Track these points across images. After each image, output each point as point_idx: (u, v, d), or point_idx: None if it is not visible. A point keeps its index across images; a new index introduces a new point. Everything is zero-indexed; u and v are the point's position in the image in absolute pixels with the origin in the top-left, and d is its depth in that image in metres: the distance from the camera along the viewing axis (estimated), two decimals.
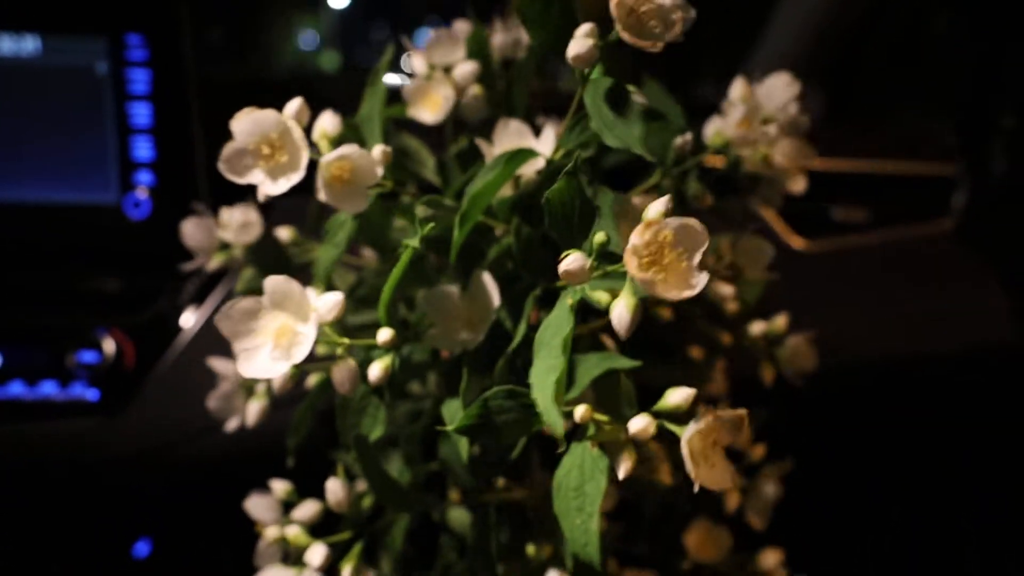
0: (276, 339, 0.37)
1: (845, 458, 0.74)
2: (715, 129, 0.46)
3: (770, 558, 0.48)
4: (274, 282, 0.37)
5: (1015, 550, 0.80)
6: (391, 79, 0.50)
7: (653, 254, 0.28)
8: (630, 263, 0.28)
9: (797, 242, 0.78)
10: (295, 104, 0.39)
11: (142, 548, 0.71)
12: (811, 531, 0.63)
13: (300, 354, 0.37)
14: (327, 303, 0.38)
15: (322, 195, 0.39)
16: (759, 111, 0.43)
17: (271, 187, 0.38)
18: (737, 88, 0.45)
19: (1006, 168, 0.82)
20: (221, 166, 0.38)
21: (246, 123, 0.37)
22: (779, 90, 0.44)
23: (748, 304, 0.52)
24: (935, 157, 0.86)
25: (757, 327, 0.52)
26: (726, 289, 0.48)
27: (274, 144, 0.38)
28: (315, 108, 0.41)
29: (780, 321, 0.52)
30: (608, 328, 0.47)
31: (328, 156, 0.38)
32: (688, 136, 0.43)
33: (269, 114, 0.38)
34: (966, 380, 0.76)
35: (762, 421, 0.49)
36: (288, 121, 0.38)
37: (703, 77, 1.13)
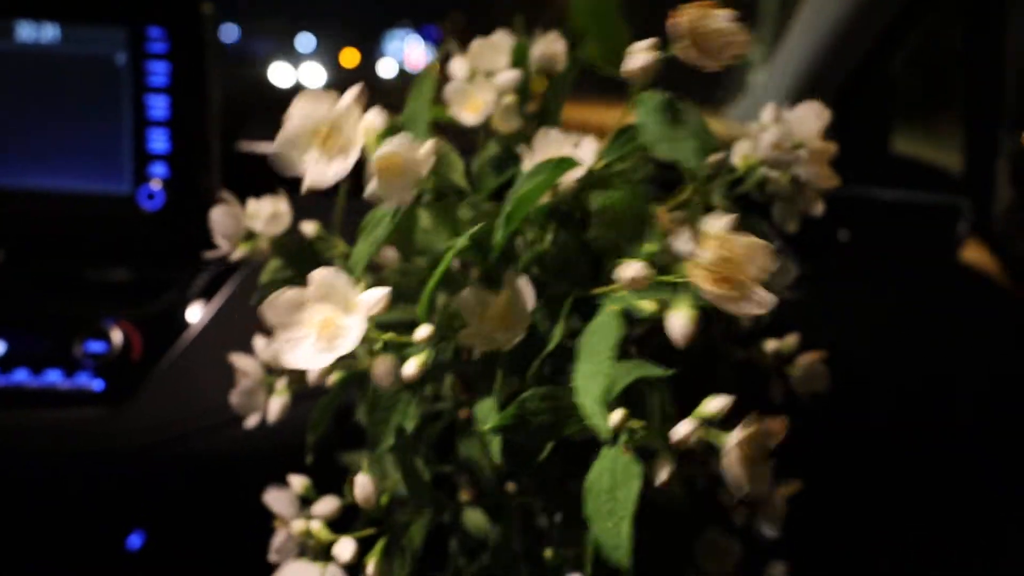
0: (320, 331, 0.37)
1: (855, 473, 0.76)
2: (744, 150, 0.48)
3: (776, 569, 0.50)
4: (321, 274, 0.37)
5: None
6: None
7: (724, 269, 0.29)
8: (701, 277, 0.29)
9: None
10: (354, 92, 0.39)
11: (135, 540, 0.70)
12: (821, 544, 0.64)
13: (345, 346, 0.37)
14: (373, 297, 0.38)
15: (370, 188, 0.40)
16: (791, 136, 0.45)
17: (320, 175, 0.39)
18: (769, 112, 0.46)
19: (1011, 197, 0.86)
20: (275, 149, 0.38)
21: (305, 107, 0.38)
22: (811, 118, 0.46)
23: (763, 321, 0.53)
24: (940, 185, 0.89)
25: (770, 345, 0.54)
26: None
27: (327, 133, 0.38)
28: None
29: (791, 340, 0.54)
30: (636, 338, 0.48)
31: (382, 149, 0.39)
32: (723, 155, 0.45)
33: (328, 100, 0.38)
34: (971, 403, 0.79)
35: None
36: (343, 110, 0.38)
37: None
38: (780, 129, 0.45)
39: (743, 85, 1.01)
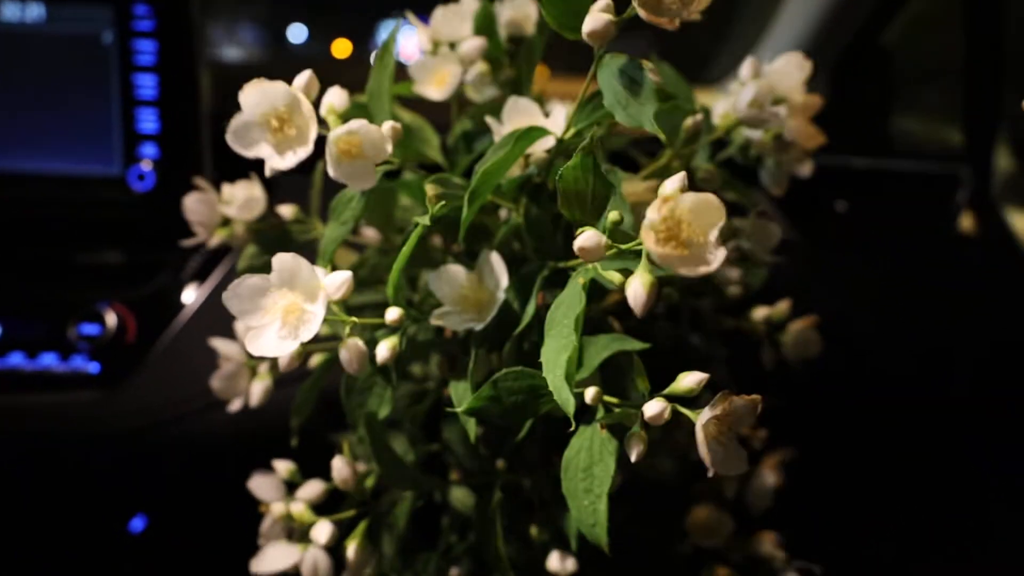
0: (284, 317, 0.37)
1: (846, 443, 0.75)
2: (724, 109, 0.46)
3: (768, 541, 0.49)
4: (282, 260, 0.37)
5: (1011, 535, 0.81)
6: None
7: (670, 229, 0.28)
8: (647, 237, 0.28)
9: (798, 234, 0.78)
10: (304, 77, 0.38)
11: (137, 523, 0.71)
12: (812, 515, 0.63)
13: (308, 333, 0.36)
14: (335, 281, 0.37)
15: (330, 170, 0.39)
16: (771, 91, 0.43)
17: (278, 161, 0.38)
18: (748, 67, 0.44)
19: (1011, 166, 0.83)
20: (229, 139, 0.37)
21: (254, 94, 0.37)
22: (792, 70, 0.43)
23: (752, 288, 0.52)
24: (939, 154, 0.86)
25: (760, 312, 0.52)
26: (732, 272, 0.48)
27: (282, 117, 0.37)
28: None
29: (783, 306, 0.52)
30: (617, 310, 0.47)
31: (337, 130, 0.38)
32: (699, 117, 0.43)
33: (278, 86, 0.37)
34: (969, 373, 0.77)
35: (773, 408, 0.50)
36: (297, 94, 0.37)
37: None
38: (758, 85, 0.42)
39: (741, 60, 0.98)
